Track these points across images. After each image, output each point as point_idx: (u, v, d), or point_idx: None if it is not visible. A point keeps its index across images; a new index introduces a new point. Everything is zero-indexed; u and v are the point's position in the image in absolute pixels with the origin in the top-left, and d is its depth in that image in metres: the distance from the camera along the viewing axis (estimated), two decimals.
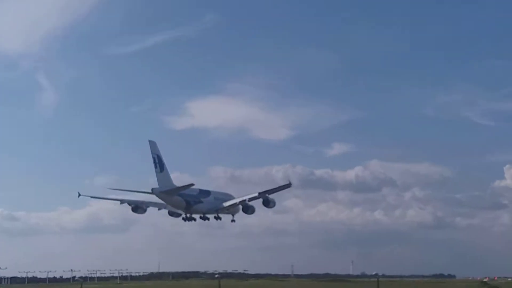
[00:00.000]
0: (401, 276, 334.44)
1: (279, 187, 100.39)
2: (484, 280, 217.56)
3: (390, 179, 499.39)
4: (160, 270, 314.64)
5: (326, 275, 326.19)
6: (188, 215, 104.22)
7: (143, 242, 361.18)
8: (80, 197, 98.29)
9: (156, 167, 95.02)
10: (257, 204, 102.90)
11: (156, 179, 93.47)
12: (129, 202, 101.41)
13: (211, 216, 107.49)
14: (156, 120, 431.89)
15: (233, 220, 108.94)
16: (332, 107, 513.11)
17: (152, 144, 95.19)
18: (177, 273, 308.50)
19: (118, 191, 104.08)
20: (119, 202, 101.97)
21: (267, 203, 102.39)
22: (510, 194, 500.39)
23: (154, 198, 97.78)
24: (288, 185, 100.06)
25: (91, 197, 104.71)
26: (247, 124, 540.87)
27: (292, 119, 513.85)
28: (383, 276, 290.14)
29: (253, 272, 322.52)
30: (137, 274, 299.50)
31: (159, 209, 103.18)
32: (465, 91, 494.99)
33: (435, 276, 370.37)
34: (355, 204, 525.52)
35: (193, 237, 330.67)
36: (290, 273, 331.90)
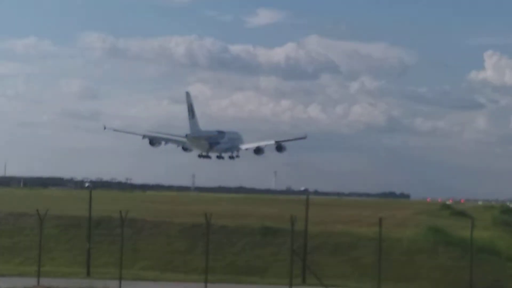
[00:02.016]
0: (339, 194, 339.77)
1: (294, 139, 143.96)
2: (447, 203, 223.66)
3: (332, 63, 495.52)
4: (8, 174, 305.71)
5: (240, 189, 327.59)
6: (205, 153, 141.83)
7: None
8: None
9: (189, 114, 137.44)
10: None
11: (188, 125, 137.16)
12: (150, 137, 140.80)
13: (225, 155, 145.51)
14: None
15: (237, 156, 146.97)
16: None
17: (187, 95, 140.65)
18: (31, 179, 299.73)
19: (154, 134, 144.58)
20: (141, 136, 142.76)
21: (280, 149, 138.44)
22: (489, 90, 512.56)
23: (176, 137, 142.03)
24: (303, 137, 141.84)
25: (114, 130, 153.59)
26: None
27: None
28: (315, 193, 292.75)
29: (138, 182, 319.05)
30: None
31: (177, 146, 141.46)
32: None
33: (383, 195, 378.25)
34: (283, 95, 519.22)
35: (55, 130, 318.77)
36: (190, 185, 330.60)
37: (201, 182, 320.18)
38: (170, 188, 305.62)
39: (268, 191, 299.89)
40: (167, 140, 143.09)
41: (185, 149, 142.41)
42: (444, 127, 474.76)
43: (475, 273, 44.54)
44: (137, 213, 65.94)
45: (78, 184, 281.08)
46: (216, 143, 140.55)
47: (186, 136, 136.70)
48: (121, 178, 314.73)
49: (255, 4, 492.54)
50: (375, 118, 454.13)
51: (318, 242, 54.83)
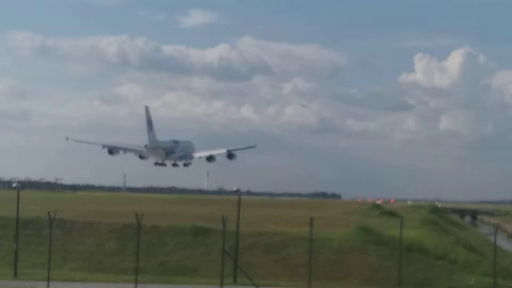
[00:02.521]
0: (271, 194, 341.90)
1: (244, 147, 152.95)
2: (378, 202, 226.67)
3: (265, 64, 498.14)
4: None
5: (172, 189, 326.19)
6: (161, 161, 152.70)
7: None
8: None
9: (148, 127, 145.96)
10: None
11: (147, 136, 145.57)
12: (110, 147, 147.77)
13: (180, 163, 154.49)
14: None
15: (189, 164, 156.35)
16: None
17: (147, 109, 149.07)
18: None
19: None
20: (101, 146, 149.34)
21: (231, 157, 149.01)
22: (418, 91, 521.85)
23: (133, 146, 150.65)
24: (253, 146, 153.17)
25: (75, 140, 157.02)
26: None
27: None
28: (248, 193, 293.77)
29: (68, 182, 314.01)
30: None
31: (135, 154, 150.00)
32: None
33: (315, 195, 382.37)
34: (216, 95, 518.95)
35: None
36: (121, 185, 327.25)
37: (133, 182, 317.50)
38: (101, 188, 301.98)
39: (200, 192, 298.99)
40: (125, 150, 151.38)
41: (141, 157, 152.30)
42: (375, 128, 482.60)
43: (404, 271, 45.23)
44: (66, 213, 64.82)
45: (5, 184, 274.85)
46: (171, 152, 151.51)
47: (146, 146, 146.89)
48: (50, 178, 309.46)
49: (188, 5, 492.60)
50: (307, 119, 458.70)
51: (250, 242, 54.81)
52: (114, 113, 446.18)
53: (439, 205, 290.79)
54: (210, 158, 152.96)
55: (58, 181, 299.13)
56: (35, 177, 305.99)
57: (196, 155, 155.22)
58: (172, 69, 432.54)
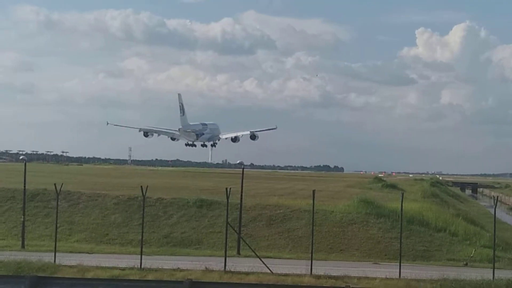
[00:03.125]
0: (273, 167, 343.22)
1: (266, 129, 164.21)
2: (380, 175, 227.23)
3: (268, 38, 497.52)
4: None
5: (176, 162, 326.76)
6: (191, 143, 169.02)
7: None
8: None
9: (180, 112, 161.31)
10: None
11: (180, 120, 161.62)
12: (146, 130, 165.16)
13: (208, 144, 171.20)
14: None
15: (216, 144, 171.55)
16: None
17: (179, 96, 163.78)
18: None
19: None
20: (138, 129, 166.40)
21: (254, 138, 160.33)
22: (420, 66, 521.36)
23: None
24: (274, 128, 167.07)
25: (115, 125, 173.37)
26: None
27: None
28: (251, 166, 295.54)
29: (74, 155, 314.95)
30: None
31: (171, 138, 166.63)
32: None
33: (318, 168, 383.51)
34: (220, 69, 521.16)
35: None
36: (127, 158, 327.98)
37: (138, 155, 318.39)
38: (107, 161, 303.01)
39: (204, 165, 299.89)
40: (159, 133, 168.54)
41: (173, 139, 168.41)
42: (377, 102, 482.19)
43: (405, 243, 45.52)
44: (72, 186, 65.20)
45: (13, 157, 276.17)
46: (201, 134, 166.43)
47: (179, 129, 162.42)
48: (56, 151, 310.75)
49: None
50: (310, 93, 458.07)
51: (253, 214, 55.13)
52: (118, 87, 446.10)
53: (440, 178, 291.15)
54: (234, 139, 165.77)
55: (64, 154, 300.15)
56: (41, 150, 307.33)
57: (222, 136, 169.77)
58: (176, 43, 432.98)
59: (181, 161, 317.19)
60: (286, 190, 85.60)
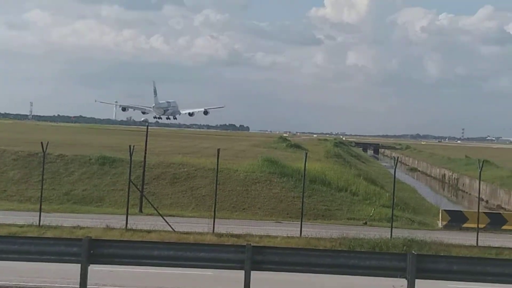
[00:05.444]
0: (179, 125, 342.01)
1: (215, 107, 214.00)
2: (285, 135, 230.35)
3: None
4: None
5: (79, 118, 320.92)
6: (158, 116, 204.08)
7: None
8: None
9: (154, 93, 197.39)
10: None
11: (153, 100, 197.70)
12: (124, 106, 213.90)
13: (171, 117, 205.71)
14: None
15: (176, 118, 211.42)
16: None
17: (154, 83, 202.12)
18: None
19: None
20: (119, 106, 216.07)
21: (206, 113, 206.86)
22: (328, 26, 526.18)
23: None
24: (222, 107, 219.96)
25: (100, 102, 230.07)
26: None
27: None
28: (156, 124, 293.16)
29: None
30: None
31: (142, 112, 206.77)
32: None
33: (224, 127, 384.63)
34: (126, 24, 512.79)
35: None
36: (28, 113, 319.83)
37: (39, 110, 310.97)
38: (6, 116, 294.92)
39: (108, 122, 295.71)
40: (135, 108, 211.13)
41: (143, 113, 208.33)
42: (284, 61, 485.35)
43: (307, 202, 46.22)
44: None
45: None
46: (167, 109, 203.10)
47: (153, 107, 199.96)
48: None
49: None
50: (217, 51, 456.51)
51: (157, 172, 54.78)
52: (21, 40, 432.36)
53: (344, 138, 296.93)
54: (191, 114, 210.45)
55: None
56: None
57: (182, 111, 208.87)
58: None
59: (84, 117, 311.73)
60: (191, 149, 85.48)
